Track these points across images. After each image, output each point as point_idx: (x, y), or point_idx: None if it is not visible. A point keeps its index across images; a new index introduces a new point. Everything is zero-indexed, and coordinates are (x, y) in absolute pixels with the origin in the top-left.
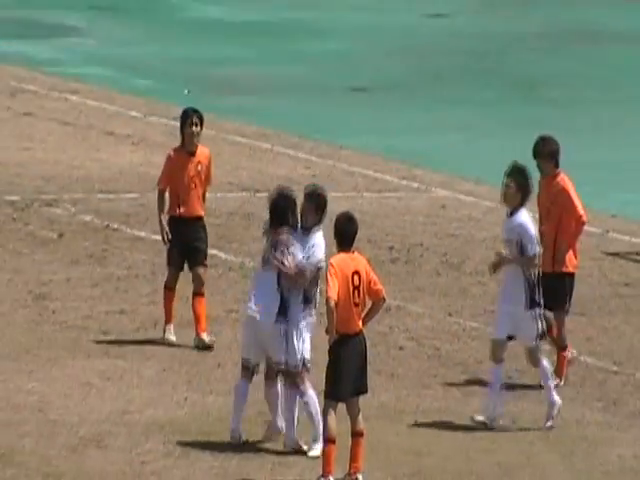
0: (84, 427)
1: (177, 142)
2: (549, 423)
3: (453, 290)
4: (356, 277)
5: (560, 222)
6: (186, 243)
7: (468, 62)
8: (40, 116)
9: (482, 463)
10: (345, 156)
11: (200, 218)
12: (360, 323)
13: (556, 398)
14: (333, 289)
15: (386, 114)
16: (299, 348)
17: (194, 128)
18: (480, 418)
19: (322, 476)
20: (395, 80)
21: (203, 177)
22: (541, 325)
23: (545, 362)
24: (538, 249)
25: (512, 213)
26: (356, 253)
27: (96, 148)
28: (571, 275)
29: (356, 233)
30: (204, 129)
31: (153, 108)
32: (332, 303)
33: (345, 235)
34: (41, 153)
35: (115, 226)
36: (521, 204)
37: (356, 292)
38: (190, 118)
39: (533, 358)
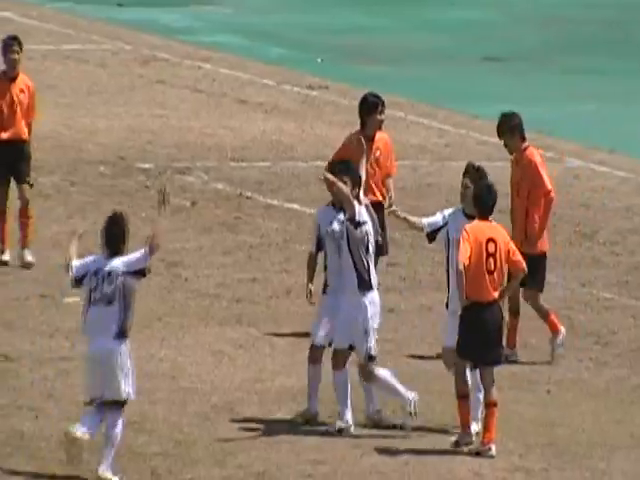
0: (216, 395)
1: (311, 110)
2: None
3: (586, 260)
4: (491, 245)
5: (529, 198)
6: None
7: (601, 32)
8: (173, 84)
9: (615, 434)
10: (478, 125)
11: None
12: (495, 293)
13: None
14: (464, 254)
15: (519, 83)
16: None
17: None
18: None
19: (464, 433)
20: (528, 49)
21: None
22: None
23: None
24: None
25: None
26: (494, 222)
27: (228, 116)
28: (542, 255)
29: (495, 202)
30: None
31: (286, 76)
32: (461, 266)
33: (484, 204)
34: (174, 121)
35: (248, 194)
36: None
37: (490, 259)
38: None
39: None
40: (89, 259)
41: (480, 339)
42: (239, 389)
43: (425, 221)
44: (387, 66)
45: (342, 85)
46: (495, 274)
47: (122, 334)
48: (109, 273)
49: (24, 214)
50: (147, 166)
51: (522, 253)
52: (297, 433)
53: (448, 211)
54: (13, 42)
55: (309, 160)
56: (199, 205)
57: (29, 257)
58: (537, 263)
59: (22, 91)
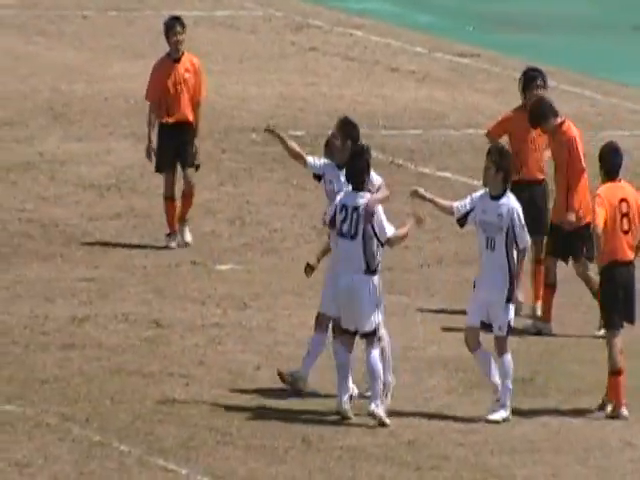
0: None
1: (462, 78)
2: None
3: None
4: (624, 204)
5: (568, 171)
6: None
7: None
8: (324, 51)
9: None
10: (630, 94)
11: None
12: (631, 252)
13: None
14: (600, 218)
15: None
16: None
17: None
18: None
19: (616, 407)
20: None
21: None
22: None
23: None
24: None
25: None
26: (623, 182)
27: (380, 84)
28: (585, 226)
29: (621, 164)
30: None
31: (437, 44)
32: (598, 230)
33: (611, 165)
34: (325, 88)
35: (399, 162)
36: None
37: (624, 219)
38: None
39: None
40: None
41: (622, 297)
42: (392, 357)
43: (455, 205)
44: (537, 34)
45: (493, 53)
46: (630, 233)
47: (369, 270)
48: (355, 208)
49: (187, 197)
50: (299, 133)
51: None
52: (448, 401)
53: (477, 194)
54: (175, 23)
55: (461, 128)
56: None
57: (188, 237)
58: (584, 233)
59: (187, 70)
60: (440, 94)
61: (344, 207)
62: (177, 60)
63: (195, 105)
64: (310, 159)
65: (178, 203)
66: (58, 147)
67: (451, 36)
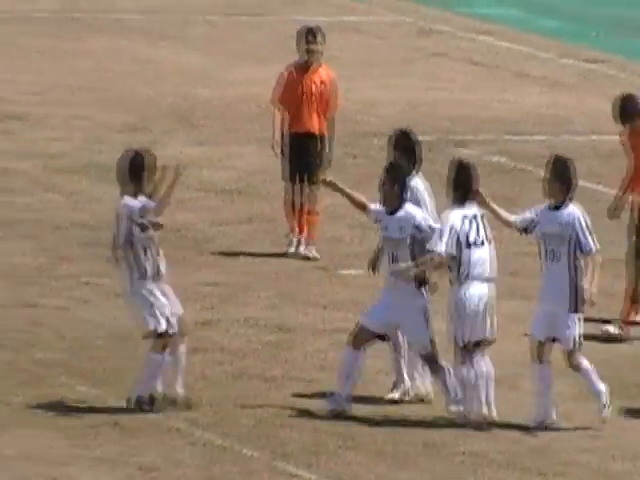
0: (499, 369)
1: (589, 84)
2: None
3: None
4: None
5: None
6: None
7: None
8: (450, 56)
9: None
10: None
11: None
12: None
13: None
14: None
15: None
16: None
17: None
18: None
19: None
20: None
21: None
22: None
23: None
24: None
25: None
26: None
27: (504, 89)
28: None
29: None
30: None
31: (564, 49)
32: None
33: None
34: (450, 93)
35: (523, 167)
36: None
37: None
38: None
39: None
40: None
41: None
42: (515, 363)
43: (514, 218)
44: None
45: (620, 59)
46: None
47: None
48: (474, 216)
49: (312, 214)
50: (424, 138)
51: None
52: (574, 408)
53: (539, 207)
54: (308, 32)
55: (586, 134)
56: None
57: (313, 252)
58: None
59: (322, 82)
60: (566, 100)
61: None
62: (310, 70)
63: (327, 119)
64: (372, 207)
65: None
66: (181, 152)
67: (577, 41)
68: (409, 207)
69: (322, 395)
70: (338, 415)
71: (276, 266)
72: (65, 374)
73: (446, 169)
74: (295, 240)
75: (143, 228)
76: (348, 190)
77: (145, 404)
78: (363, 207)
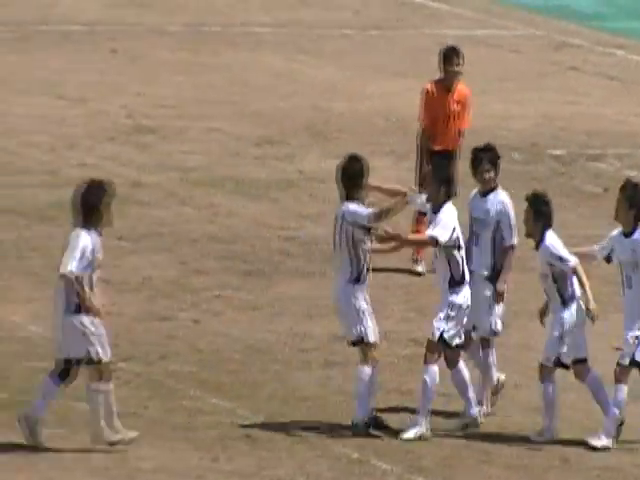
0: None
1: None
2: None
3: None
4: None
5: None
6: None
7: None
8: (585, 70)
9: None
10: None
11: None
12: None
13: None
14: None
15: None
16: None
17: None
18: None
19: None
20: None
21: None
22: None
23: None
24: None
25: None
26: None
27: (639, 104)
28: None
29: None
30: None
31: None
32: None
33: None
34: (586, 108)
35: None
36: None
37: None
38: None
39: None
40: None
41: None
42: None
43: (595, 248)
44: None
45: None
46: None
47: None
48: None
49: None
50: (559, 152)
51: None
52: None
53: (612, 233)
54: (453, 54)
55: None
56: (611, 192)
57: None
58: None
59: (459, 102)
60: None
61: None
62: (450, 90)
63: (459, 134)
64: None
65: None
66: (318, 165)
67: None
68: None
69: (461, 407)
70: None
71: (409, 279)
72: (198, 387)
73: (585, 184)
74: (423, 263)
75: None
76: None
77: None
78: None
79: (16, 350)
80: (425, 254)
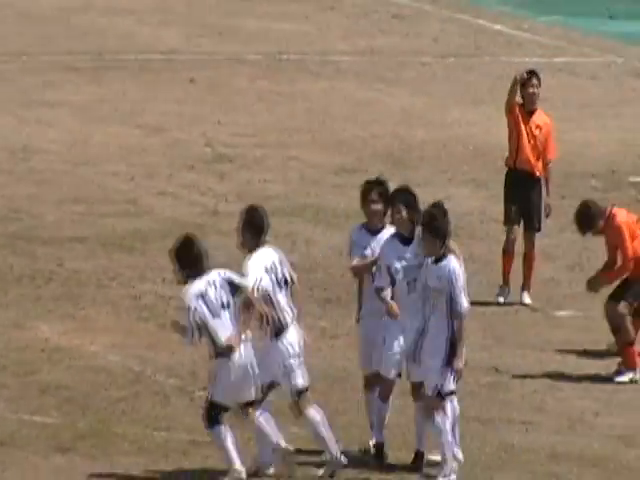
0: None
1: None
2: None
3: None
4: None
5: None
6: None
7: None
8: None
9: None
10: None
11: None
12: None
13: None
14: None
15: None
16: None
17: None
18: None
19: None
20: None
21: None
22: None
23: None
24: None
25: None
26: None
27: None
28: None
29: None
30: None
31: None
32: None
33: None
34: None
35: None
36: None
37: None
38: None
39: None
40: None
41: None
42: None
43: None
44: None
45: None
46: None
47: None
48: None
49: (528, 260)
50: (638, 179)
51: None
52: None
53: None
54: (531, 76)
55: None
56: None
57: (527, 299)
58: None
59: (538, 127)
60: None
61: None
62: (531, 113)
63: (545, 165)
64: None
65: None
66: None
67: None
68: None
69: (538, 436)
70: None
71: (489, 307)
72: (278, 416)
73: None
74: (506, 290)
75: None
76: None
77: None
78: None
79: (94, 379)
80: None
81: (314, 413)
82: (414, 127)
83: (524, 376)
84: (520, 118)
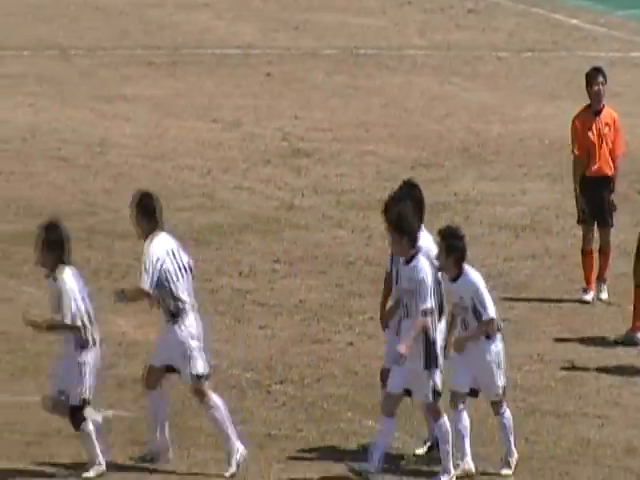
0: None
1: None
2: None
3: None
4: None
5: None
6: None
7: None
8: None
9: None
10: None
11: None
12: None
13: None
14: None
15: None
16: None
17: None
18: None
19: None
20: None
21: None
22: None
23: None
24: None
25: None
26: None
27: None
28: None
29: None
30: None
31: None
32: None
33: None
34: None
35: None
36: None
37: None
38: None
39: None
40: None
41: None
42: None
43: None
44: None
45: None
46: None
47: None
48: None
49: (604, 255)
50: None
51: None
52: None
53: None
54: (597, 74)
55: None
56: None
57: (604, 294)
58: None
59: (607, 125)
60: None
61: None
62: (598, 113)
63: (614, 160)
64: None
65: (596, 255)
66: (473, 187)
67: None
68: None
69: (613, 431)
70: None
71: (564, 302)
72: (353, 409)
73: None
74: (590, 291)
75: None
76: None
77: None
78: None
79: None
80: (594, 285)
81: (215, 399)
82: (490, 121)
83: (600, 370)
84: (589, 129)
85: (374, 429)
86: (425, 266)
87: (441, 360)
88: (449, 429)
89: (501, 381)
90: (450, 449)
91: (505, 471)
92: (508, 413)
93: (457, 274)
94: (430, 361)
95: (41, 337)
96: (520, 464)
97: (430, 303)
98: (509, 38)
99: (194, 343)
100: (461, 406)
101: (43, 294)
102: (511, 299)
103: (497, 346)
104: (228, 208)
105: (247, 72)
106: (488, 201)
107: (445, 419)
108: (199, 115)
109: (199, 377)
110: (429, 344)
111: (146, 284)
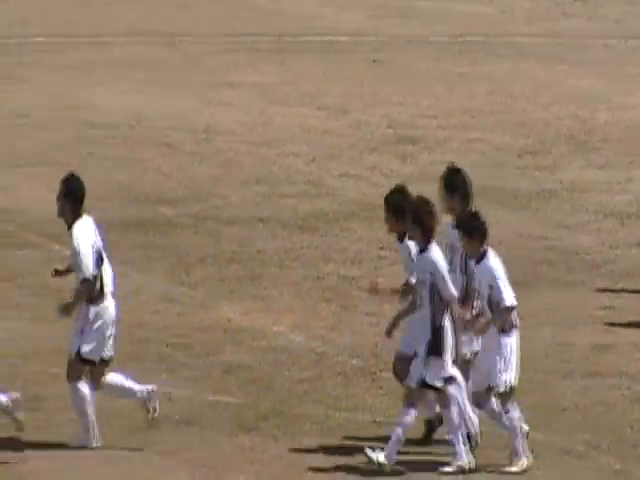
0: None
1: None
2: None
3: None
4: None
5: None
6: None
7: None
8: None
9: None
10: None
11: None
12: None
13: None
14: None
15: None
16: None
17: None
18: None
19: None
20: None
21: None
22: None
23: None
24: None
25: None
26: None
27: None
28: None
29: None
30: None
31: None
32: None
33: None
34: None
35: None
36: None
37: None
38: None
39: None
40: None
41: None
42: None
43: None
44: None
45: None
46: None
47: None
48: None
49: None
50: None
51: None
52: None
53: None
54: None
55: None
56: None
57: None
58: None
59: None
60: None
61: None
62: None
63: None
64: None
65: None
66: (579, 175)
67: None
68: None
69: None
70: None
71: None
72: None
73: None
74: None
75: None
76: None
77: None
78: None
79: (278, 360)
80: None
81: (111, 375)
82: (597, 109)
83: None
84: None
85: (479, 415)
86: (438, 256)
87: (448, 355)
88: (410, 424)
89: (507, 376)
90: (402, 438)
91: (508, 469)
92: (512, 414)
93: (480, 256)
94: (433, 347)
95: (146, 323)
96: (626, 452)
97: (454, 291)
98: (616, 25)
99: (108, 328)
100: (509, 405)
101: (151, 280)
102: (616, 287)
103: (511, 341)
104: (334, 195)
105: (353, 59)
106: (594, 188)
107: (413, 413)
108: (304, 102)
109: (104, 362)
110: (435, 330)
111: (88, 270)
